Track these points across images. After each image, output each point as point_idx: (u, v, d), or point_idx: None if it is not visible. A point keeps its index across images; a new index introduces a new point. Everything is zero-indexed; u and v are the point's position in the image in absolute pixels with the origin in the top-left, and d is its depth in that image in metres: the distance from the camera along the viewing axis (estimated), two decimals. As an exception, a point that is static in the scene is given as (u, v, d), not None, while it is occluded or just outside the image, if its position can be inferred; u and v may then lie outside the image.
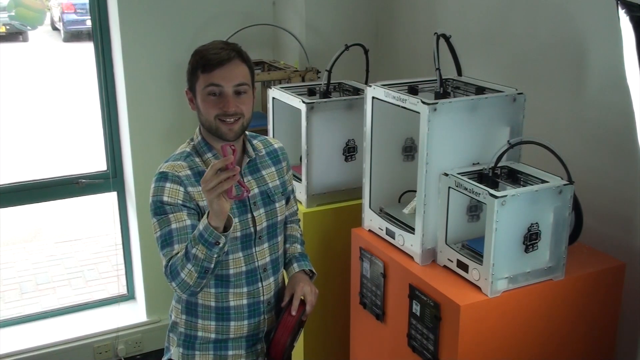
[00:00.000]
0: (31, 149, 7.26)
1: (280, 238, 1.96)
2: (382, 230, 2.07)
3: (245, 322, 1.88)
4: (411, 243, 1.93)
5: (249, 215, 1.84)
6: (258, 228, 1.86)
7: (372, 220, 2.12)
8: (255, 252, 1.87)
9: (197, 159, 1.81)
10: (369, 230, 2.14)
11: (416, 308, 1.86)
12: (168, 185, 1.75)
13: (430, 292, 1.80)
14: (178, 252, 1.70)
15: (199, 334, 1.88)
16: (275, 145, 2.00)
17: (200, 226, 1.62)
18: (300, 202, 2.39)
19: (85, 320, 3.46)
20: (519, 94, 1.94)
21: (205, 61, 1.73)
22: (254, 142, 1.93)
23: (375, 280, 2.04)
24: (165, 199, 1.73)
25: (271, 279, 1.92)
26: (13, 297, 4.37)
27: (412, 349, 1.90)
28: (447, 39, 2.02)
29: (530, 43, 2.32)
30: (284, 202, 1.96)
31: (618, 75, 1.76)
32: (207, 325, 1.87)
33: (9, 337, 3.29)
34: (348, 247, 2.17)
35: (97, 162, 3.57)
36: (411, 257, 1.94)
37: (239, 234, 1.82)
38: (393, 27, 3.09)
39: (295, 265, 2.00)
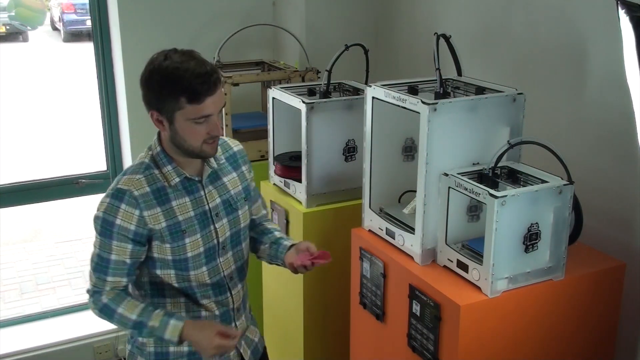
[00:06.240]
0: (31, 149, 7.26)
1: (244, 244, 1.92)
2: (382, 230, 2.07)
3: None
4: (411, 243, 1.93)
5: (212, 228, 1.80)
6: (221, 239, 1.82)
7: (372, 220, 2.12)
8: (220, 262, 1.83)
9: (156, 171, 1.75)
10: (369, 230, 2.14)
11: (416, 308, 1.86)
12: (123, 207, 1.69)
13: (430, 292, 1.80)
14: (113, 288, 1.76)
15: (171, 349, 1.83)
16: (235, 149, 1.92)
17: (167, 335, 1.71)
18: (300, 202, 2.39)
19: (85, 320, 3.46)
20: (519, 94, 1.94)
21: (193, 91, 1.61)
22: None
23: (375, 280, 2.04)
24: (118, 221, 1.69)
25: (239, 286, 1.91)
26: (13, 297, 4.38)
27: (412, 349, 1.90)
28: (447, 39, 2.02)
29: (530, 43, 2.32)
30: (247, 207, 1.91)
31: (618, 75, 1.76)
32: None
33: (9, 337, 3.29)
34: (348, 247, 2.17)
35: (97, 162, 3.57)
36: (411, 257, 1.94)
37: (202, 249, 1.78)
38: (393, 27, 3.09)
39: (286, 242, 1.94)
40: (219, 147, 1.84)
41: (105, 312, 1.76)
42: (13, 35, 10.08)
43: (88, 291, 1.79)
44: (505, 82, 2.03)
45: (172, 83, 1.62)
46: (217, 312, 1.85)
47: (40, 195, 3.27)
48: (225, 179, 1.85)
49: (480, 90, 1.99)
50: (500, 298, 1.73)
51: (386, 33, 3.14)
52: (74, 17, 10.66)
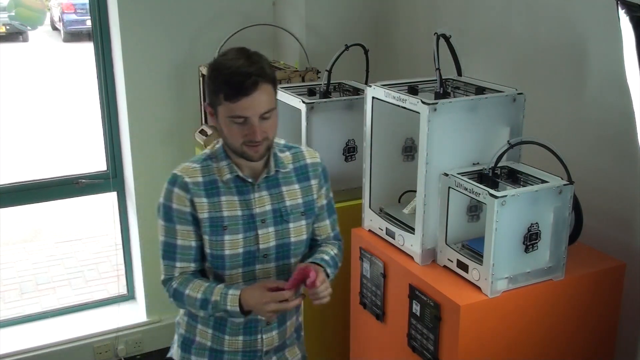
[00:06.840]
0: (31, 149, 7.26)
1: (294, 260, 1.82)
2: (382, 230, 2.07)
3: (240, 337, 1.83)
4: (411, 243, 1.93)
5: (255, 233, 1.75)
6: (262, 246, 1.76)
7: (372, 220, 2.12)
8: (257, 270, 1.78)
9: (213, 164, 1.76)
10: (369, 230, 2.14)
11: (416, 308, 1.86)
12: (176, 190, 1.72)
13: (430, 292, 1.80)
14: (182, 273, 1.77)
15: (197, 338, 1.85)
16: (308, 161, 1.84)
17: (228, 306, 1.68)
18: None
19: (85, 320, 3.46)
20: (519, 94, 1.94)
21: (229, 89, 1.60)
22: (283, 155, 1.81)
23: (375, 280, 2.04)
24: (174, 206, 1.72)
25: None
26: (13, 297, 4.37)
27: (412, 349, 1.90)
28: (447, 39, 2.02)
29: (530, 43, 2.32)
30: (304, 222, 1.81)
31: (618, 75, 1.76)
32: (204, 332, 1.84)
33: (9, 337, 3.29)
34: (348, 247, 2.17)
35: (97, 162, 3.57)
36: (411, 257, 1.94)
37: (241, 250, 1.75)
38: (393, 27, 3.09)
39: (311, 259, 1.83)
40: (290, 156, 1.82)
41: (176, 297, 1.77)
42: (13, 35, 10.08)
43: (162, 282, 1.80)
44: (505, 82, 2.03)
45: (215, 78, 1.64)
46: (242, 319, 1.78)
47: (40, 195, 3.27)
48: (284, 188, 1.79)
49: (480, 90, 1.99)
50: (500, 298, 1.73)
51: (386, 33, 3.14)
52: (74, 17, 10.66)
